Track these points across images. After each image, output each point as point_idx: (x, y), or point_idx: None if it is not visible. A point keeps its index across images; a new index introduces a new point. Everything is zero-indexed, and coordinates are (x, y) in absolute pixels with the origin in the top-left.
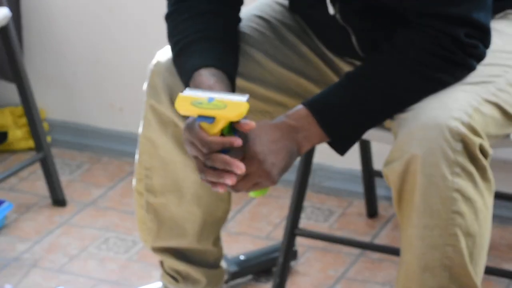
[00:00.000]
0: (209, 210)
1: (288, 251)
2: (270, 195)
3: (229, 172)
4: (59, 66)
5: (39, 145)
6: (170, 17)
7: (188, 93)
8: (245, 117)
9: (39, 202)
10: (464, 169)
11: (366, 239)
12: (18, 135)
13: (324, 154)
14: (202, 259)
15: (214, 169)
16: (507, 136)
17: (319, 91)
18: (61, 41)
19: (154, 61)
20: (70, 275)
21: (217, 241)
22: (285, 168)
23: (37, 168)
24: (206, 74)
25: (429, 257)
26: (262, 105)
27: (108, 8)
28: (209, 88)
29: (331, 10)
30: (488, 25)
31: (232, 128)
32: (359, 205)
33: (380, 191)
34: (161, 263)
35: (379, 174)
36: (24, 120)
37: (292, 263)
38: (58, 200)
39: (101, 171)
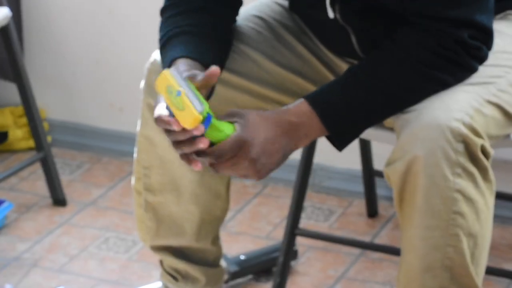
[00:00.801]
0: (207, 209)
1: (289, 251)
2: (270, 195)
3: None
4: (59, 66)
5: (39, 145)
6: (163, 12)
7: (171, 73)
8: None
9: (40, 202)
10: (465, 170)
11: (366, 239)
12: (19, 135)
13: (324, 154)
14: (201, 258)
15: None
16: (508, 136)
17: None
18: (61, 41)
19: (151, 60)
20: (70, 275)
21: (216, 240)
22: (276, 167)
23: (38, 168)
24: (182, 63)
25: (430, 257)
26: (259, 103)
27: (107, 9)
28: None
29: (330, 13)
30: (491, 28)
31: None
32: (359, 205)
33: (380, 191)
34: (161, 262)
35: (379, 174)
36: (24, 120)
37: (292, 263)
38: (59, 200)
39: (101, 171)
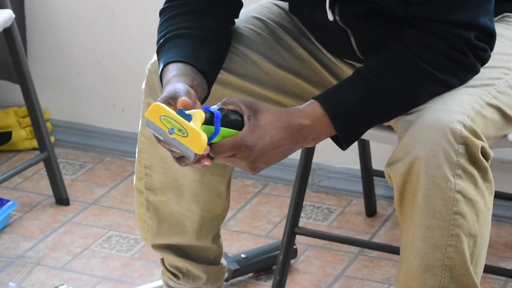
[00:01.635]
0: (207, 208)
1: (288, 250)
2: (270, 194)
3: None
4: (62, 68)
5: (43, 145)
6: (162, 13)
7: (161, 105)
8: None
9: (43, 201)
10: (465, 171)
11: (364, 237)
12: (22, 135)
13: (323, 154)
14: (202, 256)
15: None
16: (505, 136)
17: (316, 91)
18: (64, 42)
19: (151, 61)
20: (73, 273)
21: (216, 238)
22: (273, 163)
23: (41, 168)
24: (170, 70)
25: (430, 257)
26: None
27: (110, 11)
28: (166, 82)
29: (330, 16)
30: (494, 29)
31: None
32: (358, 204)
33: (378, 191)
34: (162, 260)
35: (377, 173)
36: (28, 120)
37: (292, 261)
38: (62, 199)
39: (104, 171)
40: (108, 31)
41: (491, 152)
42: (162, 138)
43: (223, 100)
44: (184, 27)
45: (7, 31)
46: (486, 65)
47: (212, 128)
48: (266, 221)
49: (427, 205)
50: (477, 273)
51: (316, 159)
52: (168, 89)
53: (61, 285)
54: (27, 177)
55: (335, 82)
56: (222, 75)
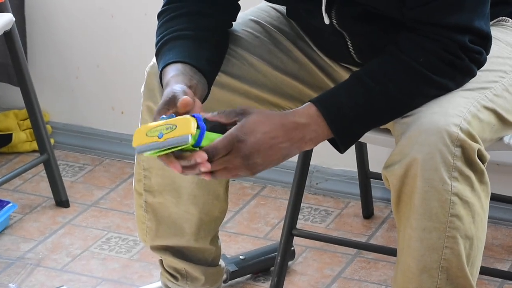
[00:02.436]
0: (205, 210)
1: (286, 251)
2: (268, 196)
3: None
4: (62, 70)
5: (43, 147)
6: (160, 15)
7: (142, 127)
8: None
9: (43, 203)
10: (462, 174)
11: (362, 239)
12: (22, 137)
13: (321, 156)
14: (200, 257)
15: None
16: (501, 139)
17: (313, 93)
18: (64, 46)
19: (150, 63)
20: (73, 274)
21: (214, 240)
22: (272, 165)
23: (41, 170)
24: (169, 70)
25: (427, 259)
26: (256, 106)
27: (109, 14)
28: (166, 84)
29: (326, 20)
30: (489, 33)
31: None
32: (355, 206)
33: (375, 193)
34: (161, 262)
35: (374, 176)
36: (28, 123)
37: (290, 263)
38: (61, 201)
39: (103, 173)
40: (107, 34)
41: (487, 155)
42: (157, 149)
43: (216, 113)
44: (182, 28)
45: (8, 34)
46: (483, 68)
47: (198, 131)
48: (264, 223)
49: (424, 207)
50: (474, 275)
51: (314, 161)
52: (166, 93)
53: (60, 287)
54: (27, 179)
55: (332, 85)
56: (220, 77)
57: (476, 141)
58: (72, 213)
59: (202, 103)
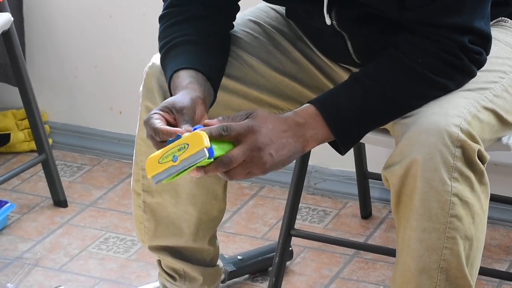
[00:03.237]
0: (204, 209)
1: (284, 251)
2: (266, 196)
3: None
4: (60, 70)
5: (41, 147)
6: (162, 20)
7: (152, 156)
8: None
9: (41, 202)
10: (462, 174)
11: (360, 239)
12: (21, 137)
13: (319, 156)
14: (198, 257)
15: None
16: (499, 139)
17: (312, 94)
18: (62, 46)
19: (149, 64)
20: (70, 274)
21: (213, 240)
22: (281, 164)
23: (39, 170)
24: (183, 76)
25: (426, 259)
26: (255, 107)
27: (107, 14)
28: (181, 89)
29: (328, 20)
30: (489, 33)
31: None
32: (353, 207)
33: (373, 193)
34: (159, 262)
35: (373, 176)
36: (26, 123)
37: (288, 263)
38: (59, 201)
39: (101, 173)
40: (105, 34)
41: (487, 156)
42: (175, 172)
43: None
44: (188, 33)
45: (6, 34)
46: (482, 68)
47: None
48: (262, 223)
49: (423, 208)
50: (473, 276)
51: (312, 161)
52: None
53: (58, 286)
54: (25, 179)
55: (331, 86)
56: None
57: (476, 141)
58: (70, 213)
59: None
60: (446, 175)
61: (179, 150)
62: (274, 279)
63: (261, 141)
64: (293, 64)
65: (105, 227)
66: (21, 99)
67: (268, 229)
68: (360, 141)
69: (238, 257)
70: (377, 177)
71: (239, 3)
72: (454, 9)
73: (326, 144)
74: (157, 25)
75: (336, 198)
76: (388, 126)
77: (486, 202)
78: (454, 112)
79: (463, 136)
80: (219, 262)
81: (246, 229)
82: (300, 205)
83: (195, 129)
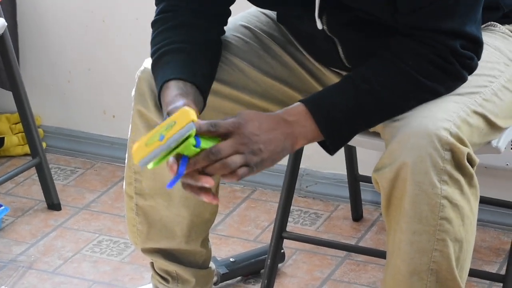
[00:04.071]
0: (196, 212)
1: (276, 254)
2: (258, 199)
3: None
4: (54, 75)
5: (35, 151)
6: (153, 26)
7: (140, 142)
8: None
9: (35, 206)
10: (451, 177)
11: (351, 242)
12: (14, 141)
13: (311, 159)
14: (191, 259)
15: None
16: (489, 142)
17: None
18: (56, 50)
19: (141, 68)
20: (64, 277)
21: (205, 242)
22: (270, 160)
23: (33, 173)
24: (171, 87)
25: (417, 261)
26: None
27: (100, 19)
28: (170, 101)
29: (319, 25)
30: (481, 38)
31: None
32: (345, 209)
33: (365, 196)
34: (152, 264)
35: (364, 179)
36: (20, 127)
37: (280, 265)
38: (53, 204)
39: (95, 176)
40: (98, 39)
41: (476, 159)
42: (160, 153)
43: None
44: (177, 41)
45: (0, 39)
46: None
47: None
48: (255, 225)
49: (413, 211)
50: (463, 278)
51: (304, 164)
52: (170, 110)
53: None
54: (19, 182)
55: None
56: None
57: (465, 145)
58: (64, 216)
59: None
60: (435, 178)
61: (166, 129)
62: (266, 281)
63: (249, 132)
64: (284, 68)
65: (98, 230)
66: (15, 103)
67: (260, 232)
68: (351, 144)
69: (231, 259)
70: (368, 180)
71: (230, 8)
72: (446, 13)
73: (318, 147)
74: (149, 30)
75: (327, 201)
76: (378, 129)
77: (475, 205)
78: (444, 116)
79: (452, 140)
80: (212, 264)
81: (238, 232)
82: (292, 207)
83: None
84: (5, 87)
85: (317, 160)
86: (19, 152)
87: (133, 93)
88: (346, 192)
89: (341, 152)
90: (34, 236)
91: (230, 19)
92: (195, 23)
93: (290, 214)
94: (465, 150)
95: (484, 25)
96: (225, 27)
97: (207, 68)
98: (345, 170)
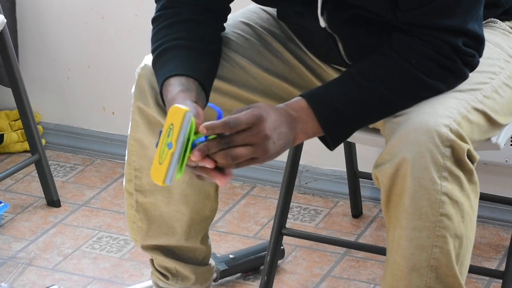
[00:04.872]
0: (196, 209)
1: (276, 250)
2: (258, 195)
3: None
4: (53, 71)
5: (34, 148)
6: (154, 22)
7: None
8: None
9: (34, 202)
10: (451, 173)
11: (350, 238)
12: (14, 138)
13: (310, 156)
14: (190, 256)
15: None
16: (488, 139)
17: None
18: (55, 47)
19: (141, 65)
20: (64, 273)
21: (205, 239)
22: (276, 154)
23: (32, 170)
24: (174, 84)
25: (416, 257)
26: None
27: (100, 16)
28: (172, 98)
29: (322, 23)
30: (482, 35)
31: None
32: (344, 206)
33: (364, 192)
34: (151, 261)
35: (363, 175)
36: (19, 123)
37: (280, 262)
38: (53, 201)
39: (94, 173)
40: (97, 35)
41: (476, 155)
42: (177, 160)
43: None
44: (179, 37)
45: None
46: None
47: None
48: (254, 222)
49: (413, 207)
50: (462, 274)
51: (303, 161)
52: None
53: (52, 286)
54: (18, 179)
55: None
56: None
57: (465, 141)
58: (63, 212)
59: None
60: (435, 174)
61: (168, 136)
62: (265, 277)
63: (269, 129)
64: (284, 65)
65: (98, 227)
66: (14, 100)
67: (260, 228)
68: (351, 140)
69: (230, 256)
70: (368, 176)
71: (230, 5)
72: (448, 11)
73: (317, 144)
74: (149, 26)
75: (327, 197)
76: (378, 125)
77: (475, 201)
78: (444, 112)
79: (452, 136)
80: (211, 261)
81: (238, 228)
82: (291, 204)
83: (196, 141)
84: (4, 83)
85: (316, 156)
86: (18, 149)
87: (133, 89)
88: (345, 189)
89: (340, 149)
90: (34, 232)
91: (230, 16)
92: (196, 20)
93: (289, 210)
94: (465, 146)
95: (484, 21)
96: (225, 24)
97: (209, 64)
98: (345, 166)
